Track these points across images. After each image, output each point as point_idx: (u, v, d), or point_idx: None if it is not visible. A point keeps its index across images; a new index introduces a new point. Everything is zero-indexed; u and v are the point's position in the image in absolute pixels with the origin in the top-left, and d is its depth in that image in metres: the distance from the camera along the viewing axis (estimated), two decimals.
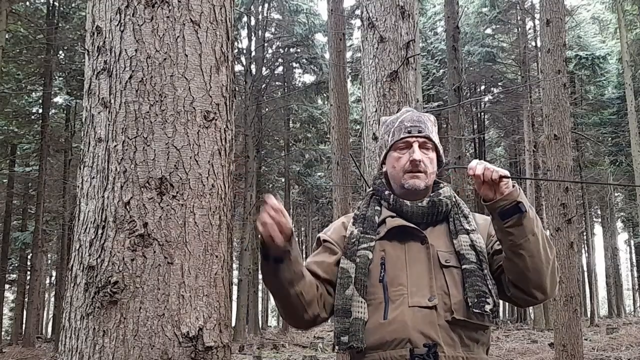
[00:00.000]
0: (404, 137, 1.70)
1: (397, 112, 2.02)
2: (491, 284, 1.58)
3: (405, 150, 1.69)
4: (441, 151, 1.77)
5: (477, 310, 1.52)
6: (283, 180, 29.79)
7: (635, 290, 40.46)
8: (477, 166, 1.53)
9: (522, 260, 1.52)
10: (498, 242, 1.66)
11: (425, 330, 1.50)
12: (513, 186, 1.52)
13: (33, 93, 21.22)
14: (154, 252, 1.59)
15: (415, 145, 1.68)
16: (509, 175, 1.52)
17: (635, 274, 39.14)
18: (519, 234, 1.50)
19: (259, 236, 1.51)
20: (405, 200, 1.68)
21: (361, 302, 1.57)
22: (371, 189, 1.80)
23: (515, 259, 1.53)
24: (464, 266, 1.58)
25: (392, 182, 1.74)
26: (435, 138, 1.75)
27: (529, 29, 25.28)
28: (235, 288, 21.97)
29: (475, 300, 1.53)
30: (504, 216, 1.51)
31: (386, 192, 1.72)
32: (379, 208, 1.73)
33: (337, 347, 1.57)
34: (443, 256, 1.60)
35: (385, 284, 1.57)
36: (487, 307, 1.53)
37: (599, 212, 35.71)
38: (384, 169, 1.78)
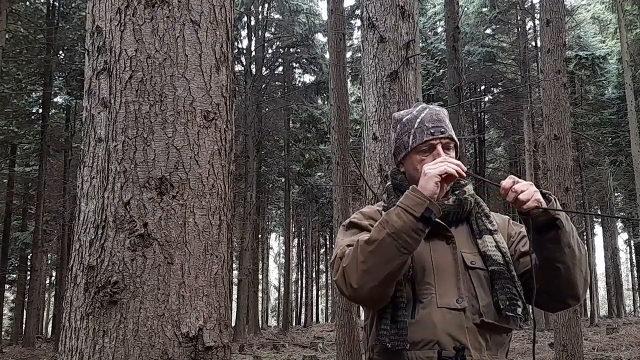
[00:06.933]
0: (427, 140, 1.62)
1: (399, 110, 1.96)
2: (519, 286, 1.54)
3: (429, 153, 1.62)
4: (458, 147, 1.71)
5: (509, 314, 1.49)
6: (283, 180, 29.76)
7: (635, 290, 40.44)
8: (506, 185, 1.44)
9: (556, 271, 1.49)
10: (523, 245, 1.63)
11: (454, 332, 1.47)
12: (550, 201, 1.44)
13: (33, 93, 21.21)
14: (154, 252, 1.59)
15: (440, 148, 1.61)
16: (540, 206, 1.41)
17: (635, 274, 39.12)
18: (554, 248, 1.45)
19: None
20: None
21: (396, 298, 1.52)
22: (390, 182, 1.73)
23: (550, 270, 1.49)
24: (490, 268, 1.54)
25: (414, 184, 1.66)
26: (454, 135, 1.68)
27: (529, 29, 25.25)
28: (235, 288, 21.97)
29: (507, 303, 1.49)
30: (541, 231, 1.44)
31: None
32: None
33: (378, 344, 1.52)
34: (468, 257, 1.56)
35: (413, 282, 1.53)
36: (519, 310, 1.50)
37: (599, 212, 35.71)
38: (401, 169, 1.71)
